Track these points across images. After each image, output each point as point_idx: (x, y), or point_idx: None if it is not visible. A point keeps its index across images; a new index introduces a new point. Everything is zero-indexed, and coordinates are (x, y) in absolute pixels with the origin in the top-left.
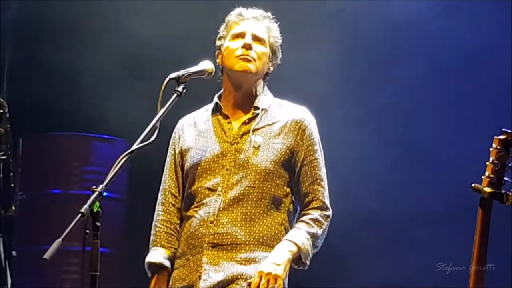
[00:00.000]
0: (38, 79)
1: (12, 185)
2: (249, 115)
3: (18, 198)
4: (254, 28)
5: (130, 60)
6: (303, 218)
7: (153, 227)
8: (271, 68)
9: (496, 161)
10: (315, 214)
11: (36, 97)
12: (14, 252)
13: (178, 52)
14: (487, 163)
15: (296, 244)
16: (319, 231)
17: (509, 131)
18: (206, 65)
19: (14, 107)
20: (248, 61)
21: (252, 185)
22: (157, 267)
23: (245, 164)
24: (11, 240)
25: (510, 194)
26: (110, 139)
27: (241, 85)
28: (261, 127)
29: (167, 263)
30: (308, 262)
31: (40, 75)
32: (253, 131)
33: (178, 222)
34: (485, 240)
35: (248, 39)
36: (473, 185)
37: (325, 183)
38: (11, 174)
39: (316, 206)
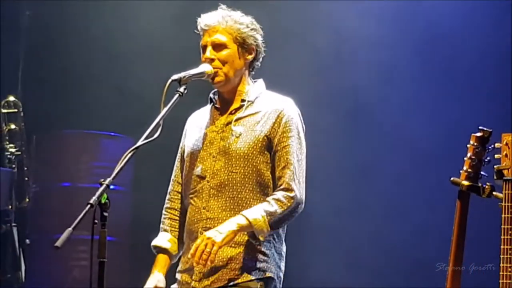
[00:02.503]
0: (50, 80)
1: (26, 178)
2: (236, 106)
3: (31, 191)
4: (212, 37)
5: (134, 62)
6: (268, 198)
7: (162, 215)
8: (250, 57)
9: (473, 157)
10: (278, 194)
11: (48, 97)
12: (27, 241)
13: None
14: (465, 158)
15: (247, 219)
16: (279, 210)
17: (485, 129)
18: (205, 67)
19: (28, 107)
20: (215, 75)
21: (234, 171)
22: (159, 249)
23: (227, 151)
24: (25, 229)
25: (486, 187)
26: (116, 136)
27: (223, 89)
28: (244, 117)
29: (167, 245)
30: (262, 237)
31: (52, 76)
32: (235, 120)
33: (177, 204)
34: (463, 229)
35: (208, 53)
36: (452, 178)
37: (296, 168)
38: (25, 168)
39: (281, 187)
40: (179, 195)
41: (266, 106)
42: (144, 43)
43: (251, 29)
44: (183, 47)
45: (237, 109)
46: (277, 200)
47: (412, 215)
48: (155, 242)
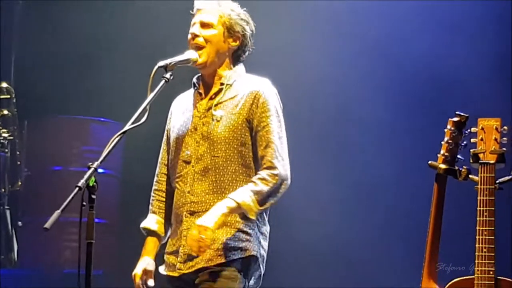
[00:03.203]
0: (42, 67)
1: (19, 162)
2: (215, 90)
3: (23, 175)
4: (203, 16)
5: (123, 48)
6: (253, 178)
7: (150, 196)
8: (234, 44)
9: (450, 141)
10: (263, 173)
11: (40, 84)
12: (20, 223)
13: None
14: (442, 142)
15: (235, 201)
16: (265, 188)
17: (462, 114)
18: (191, 54)
19: (20, 93)
20: (198, 48)
21: (216, 155)
22: (147, 231)
23: (209, 136)
24: (18, 212)
25: (463, 170)
26: (106, 121)
27: (204, 72)
28: (224, 101)
29: (155, 227)
30: (252, 216)
31: (43, 64)
32: (216, 105)
33: (164, 186)
34: (440, 211)
35: (194, 29)
36: (429, 162)
37: (277, 146)
38: (18, 153)
39: (265, 166)
40: (166, 177)
41: (244, 89)
42: (134, 31)
43: (242, 19)
44: (170, 36)
45: (216, 94)
46: (262, 179)
47: (390, 196)
48: (144, 224)
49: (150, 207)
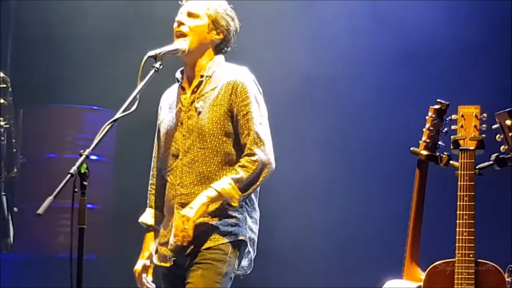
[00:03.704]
0: (37, 57)
1: (14, 150)
2: (196, 83)
3: (19, 162)
4: (190, 6)
5: (115, 39)
6: (235, 166)
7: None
8: (217, 37)
9: (431, 128)
10: (243, 161)
11: (35, 73)
12: (15, 208)
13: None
14: (424, 129)
15: (215, 190)
16: (245, 175)
17: (443, 101)
18: (179, 44)
19: (16, 82)
20: (182, 35)
21: (201, 147)
22: (145, 225)
23: (193, 129)
24: (14, 198)
25: (444, 156)
26: (98, 109)
27: (185, 60)
28: (205, 93)
29: (151, 221)
30: (235, 203)
31: (38, 54)
32: (197, 98)
33: (157, 179)
34: (421, 196)
35: (180, 17)
36: (411, 148)
37: (258, 131)
38: (14, 141)
39: (245, 153)
40: (158, 170)
41: (222, 79)
42: (125, 22)
43: (227, 15)
44: (160, 27)
45: (198, 86)
46: (242, 166)
47: (374, 182)
48: (141, 218)
49: (147, 201)
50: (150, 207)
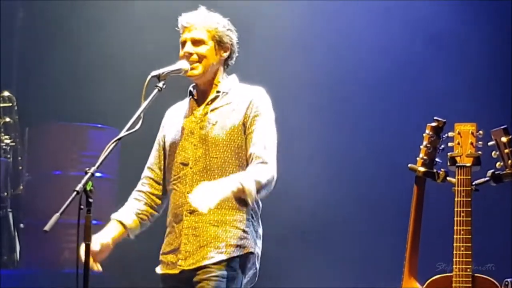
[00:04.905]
0: (42, 77)
1: (20, 167)
2: (212, 97)
3: (25, 179)
4: (193, 33)
5: (120, 58)
6: (250, 168)
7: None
8: (225, 54)
9: (428, 145)
10: (258, 167)
11: (41, 93)
12: (22, 225)
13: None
14: (421, 146)
15: (242, 185)
16: (263, 180)
17: (440, 119)
18: (182, 64)
19: (21, 101)
20: (192, 68)
21: (214, 156)
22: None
23: (206, 139)
24: (20, 214)
25: (441, 173)
26: (103, 127)
27: (199, 82)
28: (219, 107)
29: (117, 216)
30: (250, 203)
31: (44, 73)
32: (211, 110)
33: (148, 188)
34: (419, 212)
35: (187, 48)
36: (409, 165)
37: (268, 147)
38: (19, 158)
39: (260, 161)
40: (149, 178)
41: (239, 96)
42: (130, 42)
43: (228, 29)
44: (163, 47)
45: (213, 100)
46: (260, 171)
47: (372, 199)
48: (117, 216)
49: (127, 202)
50: (126, 206)
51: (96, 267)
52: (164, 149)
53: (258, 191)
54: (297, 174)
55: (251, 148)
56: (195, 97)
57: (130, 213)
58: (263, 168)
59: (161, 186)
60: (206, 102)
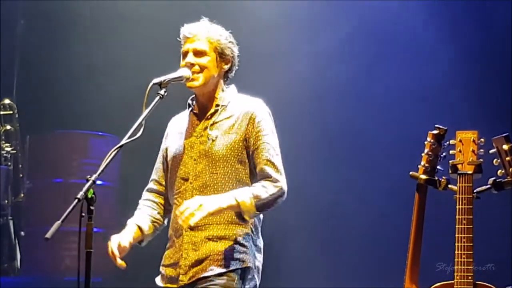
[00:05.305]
0: (42, 84)
1: (21, 175)
2: (212, 111)
3: (26, 187)
4: (194, 44)
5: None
6: (255, 183)
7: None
8: (226, 66)
9: (430, 152)
10: (264, 182)
11: (41, 100)
12: (22, 232)
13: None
14: (423, 154)
15: (236, 200)
16: (264, 195)
17: (441, 126)
18: (184, 72)
19: (22, 109)
20: (193, 79)
21: (214, 172)
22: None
23: (206, 154)
24: (20, 222)
25: (442, 180)
26: (104, 135)
27: (198, 92)
28: (219, 121)
29: (131, 221)
30: (247, 217)
31: (44, 81)
32: (211, 125)
33: (155, 198)
34: (421, 220)
35: (189, 58)
36: (411, 173)
37: (276, 162)
38: (20, 166)
39: (265, 178)
40: (154, 190)
41: (239, 109)
42: (130, 50)
43: (229, 42)
44: (165, 54)
45: (212, 114)
46: (263, 186)
47: (374, 206)
48: (136, 221)
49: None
50: (138, 213)
51: (122, 263)
52: (165, 161)
53: (257, 206)
54: (299, 177)
55: (262, 166)
56: (195, 111)
57: (147, 219)
58: (268, 183)
59: (167, 197)
60: (206, 117)
